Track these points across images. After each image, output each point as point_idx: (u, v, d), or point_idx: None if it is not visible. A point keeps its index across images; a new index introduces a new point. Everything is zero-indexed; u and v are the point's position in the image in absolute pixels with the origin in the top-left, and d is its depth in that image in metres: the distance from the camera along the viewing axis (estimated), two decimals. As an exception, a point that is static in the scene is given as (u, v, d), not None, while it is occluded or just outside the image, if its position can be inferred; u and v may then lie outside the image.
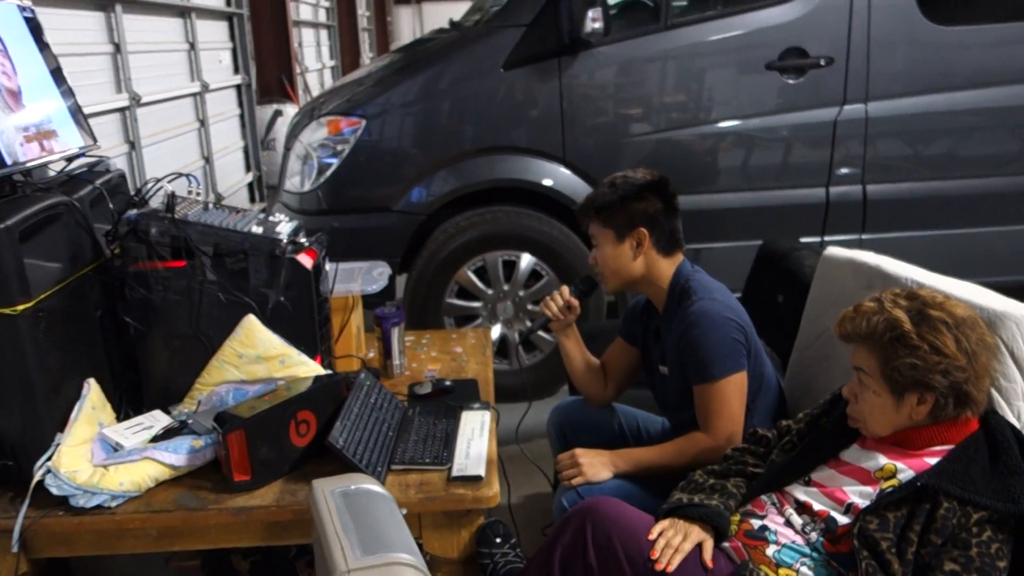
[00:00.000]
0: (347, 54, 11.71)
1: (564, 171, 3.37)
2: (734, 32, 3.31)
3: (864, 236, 3.43)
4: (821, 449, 1.64)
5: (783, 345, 2.32)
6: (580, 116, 3.34)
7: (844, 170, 3.40)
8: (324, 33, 10.82)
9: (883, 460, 1.54)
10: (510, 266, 3.41)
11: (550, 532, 1.70)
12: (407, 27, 18.83)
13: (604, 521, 1.58)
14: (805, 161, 3.42)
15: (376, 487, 1.64)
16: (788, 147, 3.42)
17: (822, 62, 3.27)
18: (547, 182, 3.37)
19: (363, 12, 13.77)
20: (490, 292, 3.44)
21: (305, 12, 9.39)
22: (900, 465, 1.52)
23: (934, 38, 3.29)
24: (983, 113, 3.39)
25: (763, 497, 1.63)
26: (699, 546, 1.56)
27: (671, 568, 1.51)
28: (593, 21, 3.10)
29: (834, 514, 1.53)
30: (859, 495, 1.52)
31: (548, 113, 3.33)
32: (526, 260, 3.39)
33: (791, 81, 3.30)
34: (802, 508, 1.58)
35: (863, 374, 1.54)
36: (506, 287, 3.43)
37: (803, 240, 3.16)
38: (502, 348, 3.51)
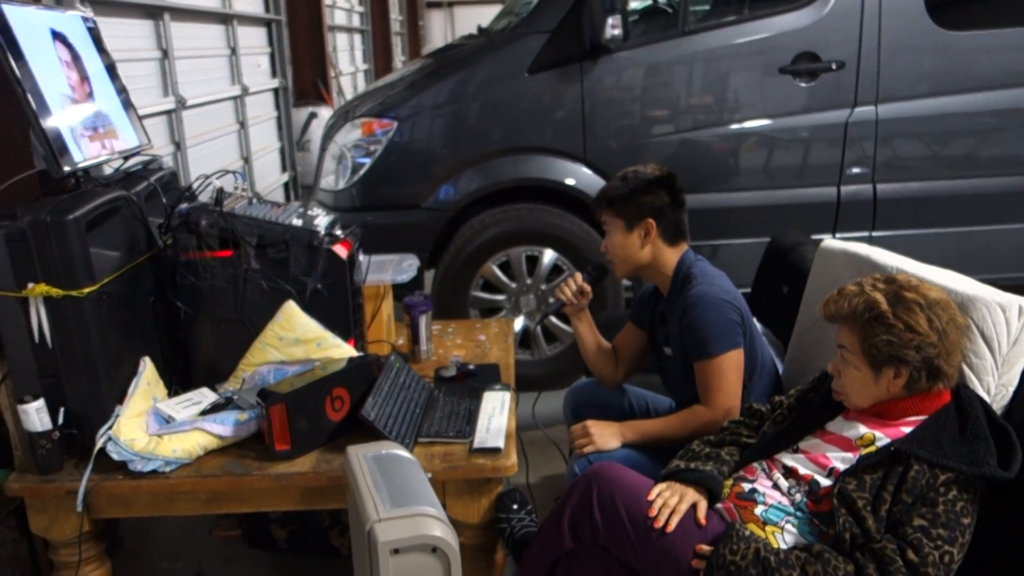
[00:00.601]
0: (380, 58, 11.92)
1: (585, 170, 3.52)
2: (749, 37, 3.45)
3: (874, 233, 3.55)
4: (808, 421, 1.79)
5: (788, 332, 2.46)
6: (600, 118, 3.48)
7: (855, 170, 3.52)
8: (358, 37, 11.04)
9: (863, 429, 1.69)
10: (533, 261, 3.57)
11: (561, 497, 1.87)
12: (439, 31, 19.01)
13: (608, 484, 1.74)
14: (817, 161, 3.54)
15: (403, 452, 1.81)
16: (801, 148, 3.55)
17: (833, 66, 3.40)
18: (570, 181, 3.52)
19: (396, 16, 13.99)
20: (514, 285, 3.60)
21: (340, 17, 9.62)
22: (878, 434, 1.67)
23: (943, 42, 3.40)
24: (991, 115, 3.50)
25: (754, 464, 1.79)
26: (694, 507, 1.71)
27: (670, 528, 1.67)
28: (613, 28, 3.25)
29: (817, 477, 1.68)
30: (841, 460, 1.68)
31: (570, 115, 3.48)
32: (548, 255, 3.55)
33: (803, 84, 3.43)
34: (789, 472, 1.73)
35: (845, 351, 1.69)
36: (529, 281, 3.59)
37: (814, 237, 3.29)
38: (525, 339, 3.67)
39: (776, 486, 1.72)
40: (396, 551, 1.49)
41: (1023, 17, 3.42)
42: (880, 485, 1.58)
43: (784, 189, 3.58)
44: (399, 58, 13.40)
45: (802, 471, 1.71)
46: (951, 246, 3.56)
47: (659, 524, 1.67)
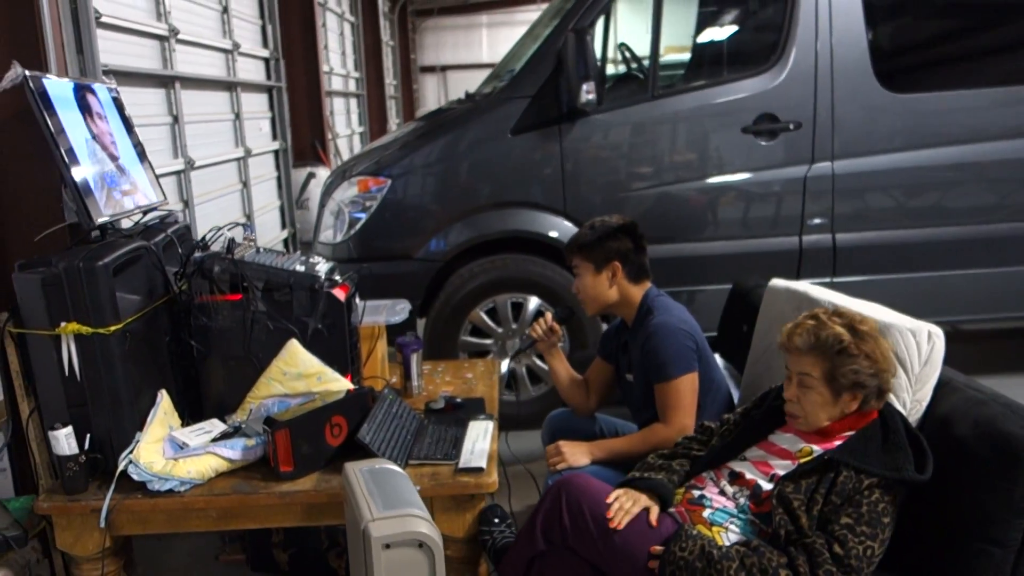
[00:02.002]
0: (375, 120, 12.32)
1: (566, 223, 3.78)
2: (713, 101, 3.75)
3: (835, 279, 3.81)
4: (752, 433, 2.04)
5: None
6: (579, 175, 3.75)
7: (815, 220, 3.79)
8: (354, 101, 11.45)
9: (802, 443, 1.94)
10: (518, 307, 3.82)
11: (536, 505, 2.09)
12: (432, 94, 19.52)
13: (575, 491, 1.98)
14: (780, 213, 3.81)
15: (394, 467, 2.04)
16: (764, 201, 3.82)
17: (791, 126, 3.69)
18: (553, 233, 3.78)
19: (390, 81, 14.46)
20: (500, 330, 3.84)
21: (337, 83, 10.01)
22: (815, 448, 1.91)
23: (889, 104, 3.70)
24: (938, 169, 3.78)
25: (704, 473, 2.02)
26: (647, 511, 1.94)
27: (620, 527, 1.90)
28: (587, 93, 3.52)
29: (761, 482, 1.92)
30: (782, 468, 1.91)
31: (551, 172, 3.75)
32: (533, 302, 3.80)
33: (764, 143, 3.72)
34: (735, 478, 1.97)
35: (808, 378, 1.90)
36: (514, 326, 3.83)
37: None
38: (511, 381, 3.90)
39: (722, 492, 1.96)
40: (387, 546, 1.72)
41: (961, 81, 3.74)
42: (814, 489, 1.81)
43: (750, 239, 3.84)
44: (394, 120, 13.82)
45: (748, 476, 1.95)
46: (907, 290, 3.81)
47: (614, 524, 1.89)
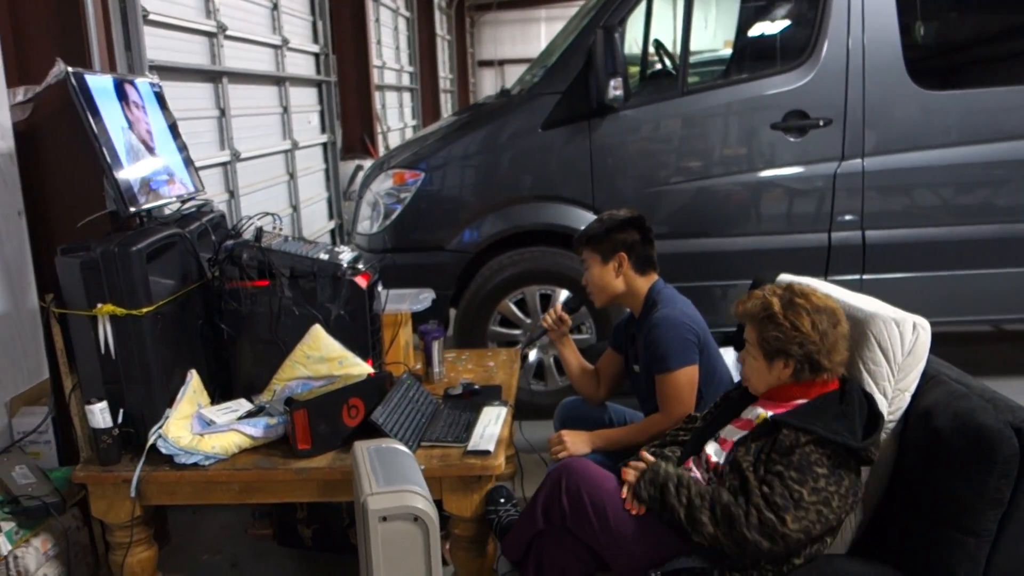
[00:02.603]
0: (428, 114, 12.48)
1: (594, 217, 3.84)
2: (742, 97, 3.76)
3: (864, 277, 3.80)
4: (728, 412, 2.13)
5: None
6: (607, 170, 3.81)
7: (845, 217, 3.78)
8: (407, 95, 11.62)
9: (760, 410, 2.03)
10: (546, 299, 3.89)
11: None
12: (490, 88, 19.62)
13: (574, 475, 2.06)
14: (810, 209, 3.81)
15: (400, 446, 2.14)
16: (794, 197, 3.82)
17: (821, 123, 3.69)
18: (582, 227, 3.84)
19: (445, 75, 14.61)
20: (528, 321, 3.92)
21: (389, 77, 10.17)
22: (770, 413, 1.99)
23: (921, 101, 3.68)
24: (968, 167, 3.74)
25: (692, 457, 2.12)
26: None
27: (642, 511, 1.99)
28: (615, 89, 3.58)
29: (722, 461, 2.01)
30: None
31: (580, 167, 3.81)
32: (562, 294, 3.86)
33: (793, 140, 3.72)
34: (706, 463, 2.06)
35: (748, 343, 2.03)
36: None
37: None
38: (539, 371, 3.98)
39: (702, 476, 2.05)
40: (384, 519, 1.81)
41: (994, 78, 3.70)
42: (761, 449, 1.91)
43: (779, 235, 3.84)
44: (447, 114, 13.97)
45: (714, 459, 2.04)
46: (940, 289, 3.78)
47: (634, 511, 1.99)
